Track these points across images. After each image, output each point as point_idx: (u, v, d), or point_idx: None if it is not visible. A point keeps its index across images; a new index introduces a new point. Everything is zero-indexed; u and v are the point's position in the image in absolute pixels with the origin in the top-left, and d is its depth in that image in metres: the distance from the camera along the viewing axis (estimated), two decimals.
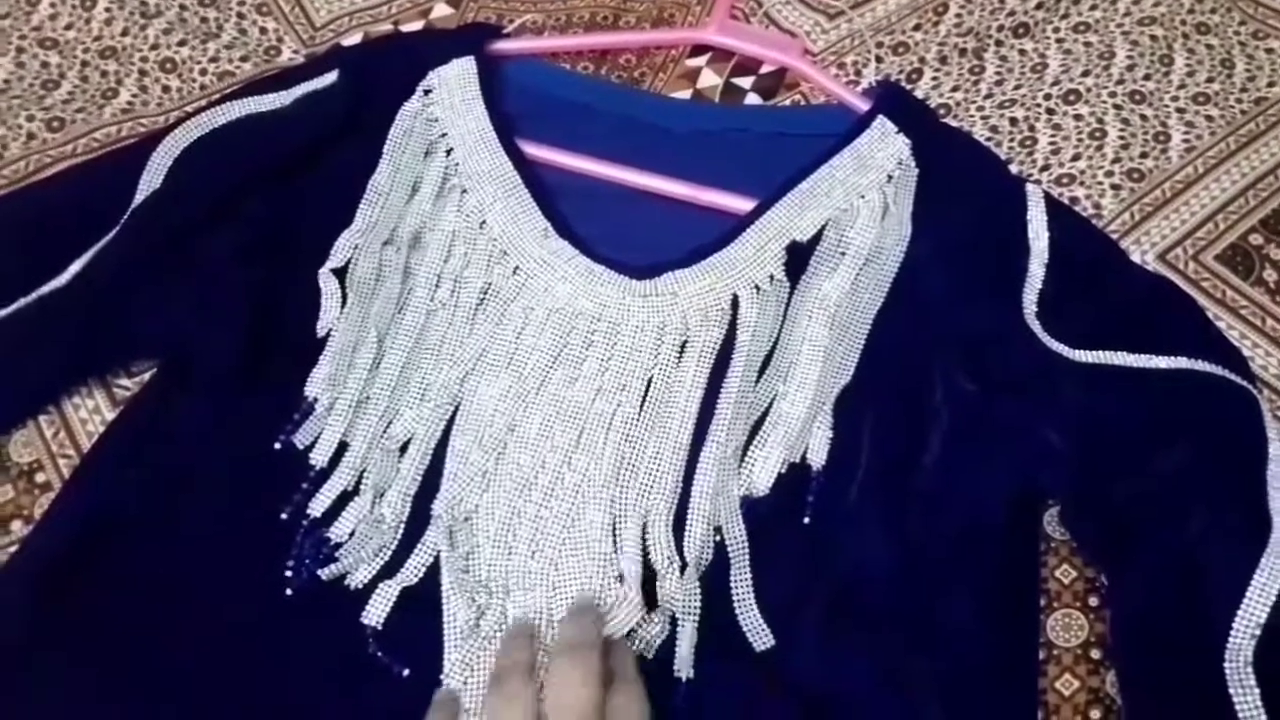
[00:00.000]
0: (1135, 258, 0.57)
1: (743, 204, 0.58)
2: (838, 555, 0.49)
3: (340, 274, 0.55)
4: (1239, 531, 0.46)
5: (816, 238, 0.57)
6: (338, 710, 0.46)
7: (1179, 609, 0.46)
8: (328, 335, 0.54)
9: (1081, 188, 0.61)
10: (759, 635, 0.47)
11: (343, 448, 0.51)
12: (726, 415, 0.51)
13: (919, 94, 0.64)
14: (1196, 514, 0.47)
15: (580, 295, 0.55)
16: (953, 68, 0.66)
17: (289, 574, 0.48)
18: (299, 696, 0.46)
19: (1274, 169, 0.61)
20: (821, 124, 0.62)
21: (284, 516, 0.49)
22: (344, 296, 0.55)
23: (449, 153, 0.60)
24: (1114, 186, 0.61)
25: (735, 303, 0.55)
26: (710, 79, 0.66)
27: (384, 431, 0.52)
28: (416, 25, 0.69)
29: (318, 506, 0.50)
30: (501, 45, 0.64)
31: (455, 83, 0.62)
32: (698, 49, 0.67)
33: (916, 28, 0.68)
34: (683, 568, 0.48)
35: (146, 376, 0.54)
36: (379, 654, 0.46)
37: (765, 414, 0.52)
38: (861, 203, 0.58)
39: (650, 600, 0.47)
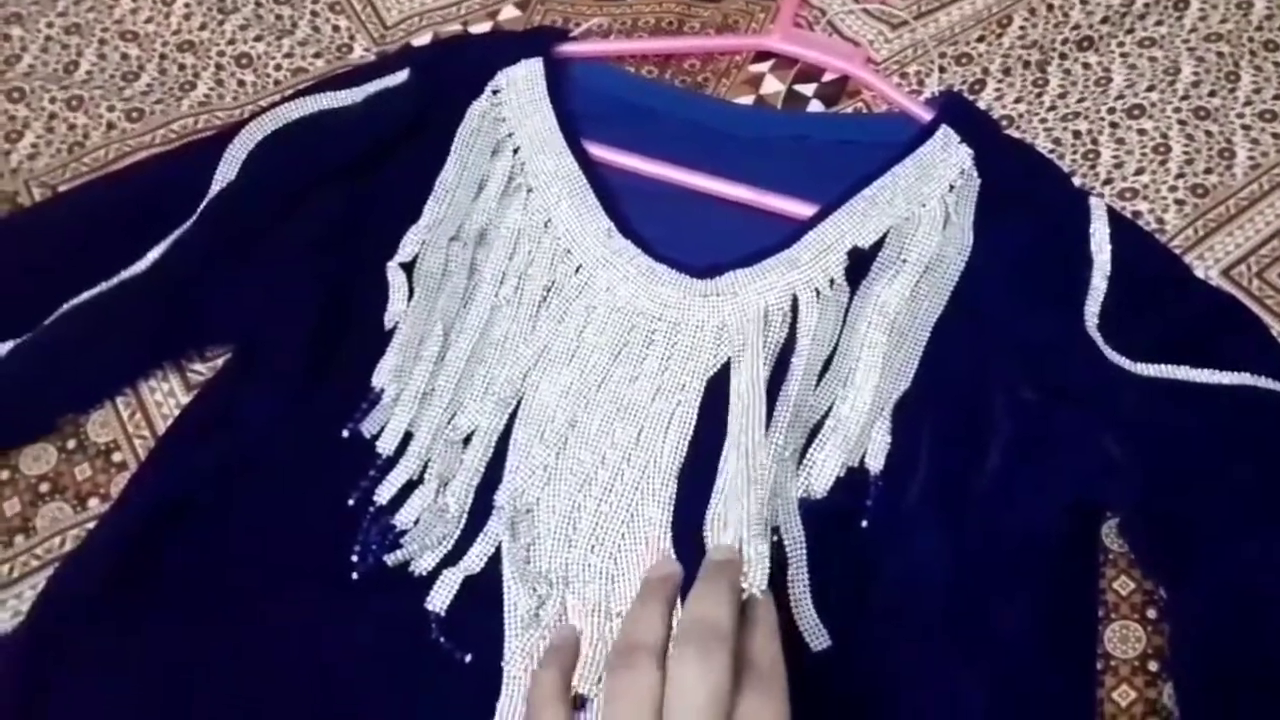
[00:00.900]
0: (1199, 273, 0.57)
1: (804, 209, 0.59)
2: (895, 560, 0.49)
3: (408, 268, 0.57)
4: None
5: (878, 245, 0.57)
6: (401, 692, 0.47)
7: (1240, 629, 0.46)
8: (394, 328, 0.55)
9: (1145, 202, 0.61)
10: (816, 635, 0.47)
11: (408, 438, 0.52)
12: (785, 417, 0.52)
13: (981, 105, 0.65)
14: (1257, 533, 0.47)
15: (641, 294, 0.56)
16: (1016, 79, 0.66)
17: (355, 559, 0.49)
18: (363, 677, 0.47)
19: None
20: (884, 132, 0.62)
21: (350, 502, 0.51)
22: (411, 290, 0.56)
23: (515, 152, 0.61)
24: (1178, 202, 0.60)
25: (795, 306, 0.56)
26: (773, 85, 0.66)
27: (448, 423, 0.53)
28: (484, 26, 0.70)
29: (384, 494, 0.51)
30: (568, 48, 0.65)
31: (523, 84, 0.63)
32: (761, 55, 0.68)
33: (980, 39, 0.68)
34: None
35: (219, 363, 0.56)
36: (442, 639, 0.47)
37: (824, 418, 0.53)
38: (923, 211, 0.58)
39: None
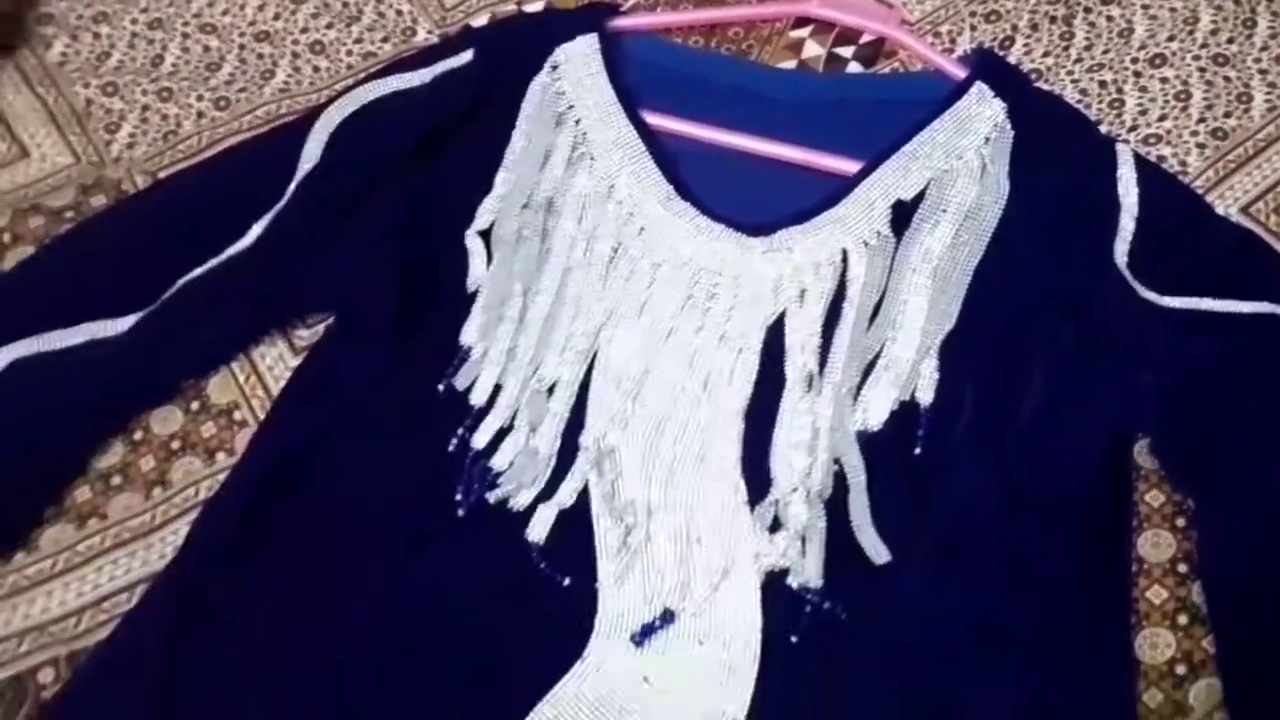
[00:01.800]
0: (1220, 211, 0.62)
1: (849, 166, 0.63)
2: (946, 483, 0.54)
3: (485, 236, 0.61)
4: None
5: (919, 196, 0.61)
6: (509, 613, 0.52)
7: (1262, 538, 0.51)
8: (476, 291, 0.60)
9: (1168, 146, 0.65)
10: (877, 550, 0.52)
11: (497, 390, 0.58)
12: (841, 358, 0.57)
13: (1011, 60, 0.69)
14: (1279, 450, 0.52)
15: (702, 252, 0.61)
16: (1043, 34, 0.70)
17: (459, 498, 0.55)
18: (474, 602, 0.53)
19: None
20: (920, 90, 0.66)
21: (450, 449, 0.56)
22: (489, 256, 0.61)
23: (577, 123, 0.65)
24: (1199, 145, 0.65)
25: (845, 257, 0.60)
26: (814, 49, 0.70)
27: (533, 375, 0.58)
28: (538, 5, 0.74)
29: (480, 439, 0.56)
30: (620, 22, 0.69)
31: (580, 58, 0.67)
32: (801, 21, 0.72)
33: None
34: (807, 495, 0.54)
35: (321, 328, 0.61)
36: (542, 566, 0.53)
37: (876, 358, 0.58)
38: (960, 164, 0.62)
39: (776, 525, 0.53)
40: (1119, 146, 0.62)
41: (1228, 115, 0.65)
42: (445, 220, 0.63)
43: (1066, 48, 0.69)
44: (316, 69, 0.71)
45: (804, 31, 0.71)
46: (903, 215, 0.61)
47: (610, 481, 0.55)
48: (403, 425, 0.57)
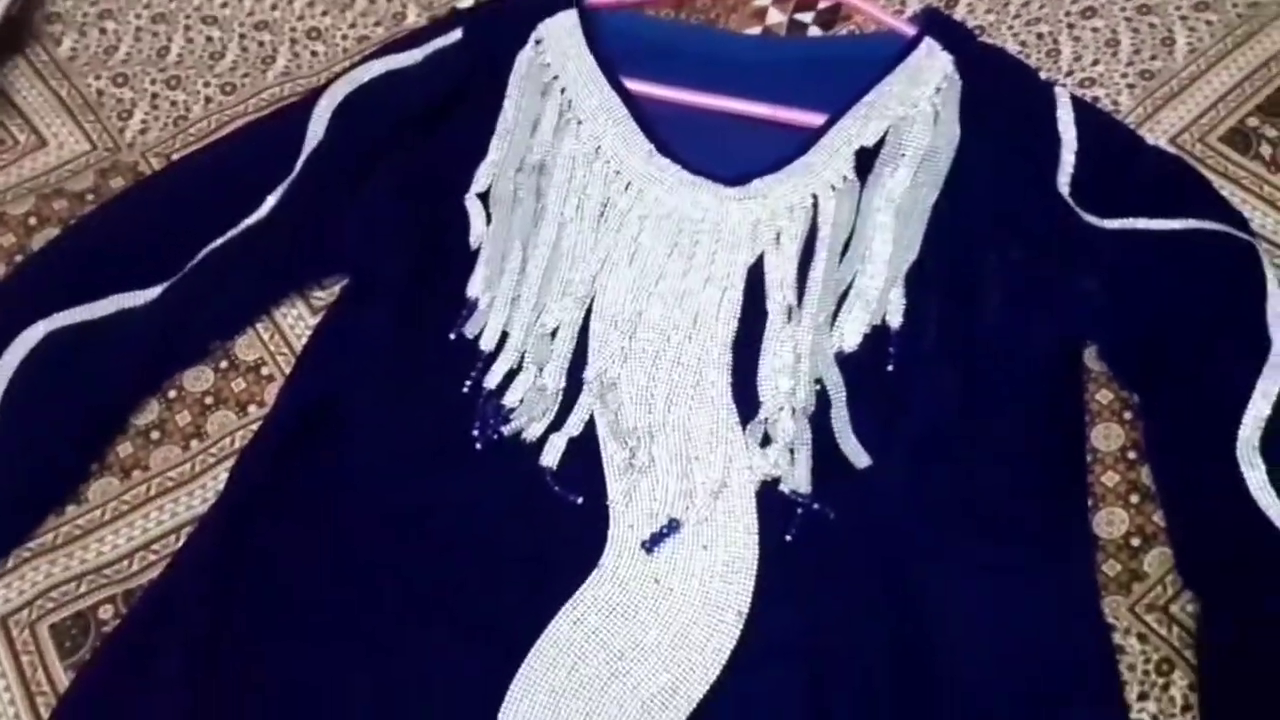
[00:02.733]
0: (1150, 142, 0.68)
1: (813, 119, 0.68)
2: (917, 397, 0.60)
3: (483, 198, 0.67)
4: (1246, 352, 0.57)
5: (879, 143, 0.67)
6: (530, 533, 0.57)
7: (1202, 416, 0.57)
8: (479, 248, 0.65)
9: (1101, 89, 0.71)
10: (858, 455, 0.58)
11: (504, 336, 0.63)
12: (816, 291, 0.63)
13: (956, 17, 0.75)
14: (1213, 343, 0.59)
15: (685, 203, 0.66)
16: None
17: (475, 433, 0.60)
18: (498, 525, 0.58)
19: (1266, 62, 0.71)
20: (875, 49, 0.71)
21: (464, 390, 0.61)
22: (489, 216, 0.66)
23: (563, 91, 0.70)
24: (1129, 86, 0.71)
25: (815, 200, 0.66)
26: (776, 16, 0.76)
27: (536, 320, 0.63)
28: None
29: (491, 380, 0.61)
30: None
31: (561, 32, 0.72)
32: None
33: None
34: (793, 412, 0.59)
35: (338, 289, 0.66)
36: (557, 488, 0.58)
37: (848, 288, 0.63)
38: (915, 112, 0.68)
39: (766, 440, 0.59)
40: (1057, 90, 0.68)
41: (1154, 58, 0.72)
42: (446, 185, 0.67)
43: (1006, 4, 0.76)
44: (315, 53, 0.76)
45: (766, 0, 0.77)
46: (865, 161, 0.66)
47: (614, 411, 0.60)
48: (418, 372, 0.62)
